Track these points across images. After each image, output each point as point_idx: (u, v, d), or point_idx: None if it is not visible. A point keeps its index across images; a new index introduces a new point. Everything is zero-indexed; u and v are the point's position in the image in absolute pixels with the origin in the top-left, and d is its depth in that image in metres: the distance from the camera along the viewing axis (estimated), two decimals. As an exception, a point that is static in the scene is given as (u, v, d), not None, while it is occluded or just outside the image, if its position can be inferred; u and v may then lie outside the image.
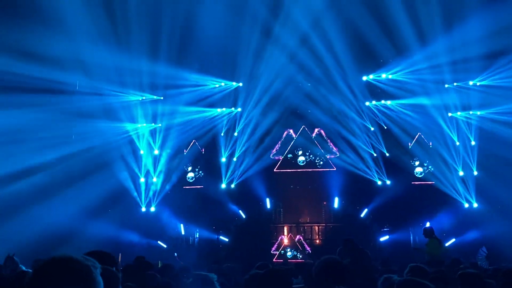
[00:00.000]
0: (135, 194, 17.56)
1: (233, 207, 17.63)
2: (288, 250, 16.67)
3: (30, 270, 5.03)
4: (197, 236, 17.56)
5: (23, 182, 14.68)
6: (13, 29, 12.97)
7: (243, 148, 17.94)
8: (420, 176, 17.39)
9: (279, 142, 18.26)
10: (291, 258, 15.99)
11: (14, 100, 13.79)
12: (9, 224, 13.97)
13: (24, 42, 13.20)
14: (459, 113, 17.02)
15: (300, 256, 16.24)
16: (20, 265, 7.10)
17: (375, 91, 17.80)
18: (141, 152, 17.98)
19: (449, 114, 17.02)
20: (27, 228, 13.75)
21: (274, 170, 18.08)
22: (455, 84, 16.76)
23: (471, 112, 16.85)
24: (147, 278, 4.88)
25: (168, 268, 6.06)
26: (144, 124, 17.99)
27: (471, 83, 16.57)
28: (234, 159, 18.05)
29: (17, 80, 13.59)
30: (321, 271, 3.51)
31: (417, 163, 17.45)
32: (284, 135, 18.31)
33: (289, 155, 18.11)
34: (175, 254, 14.02)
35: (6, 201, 14.24)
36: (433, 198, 16.72)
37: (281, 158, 18.15)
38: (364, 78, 17.60)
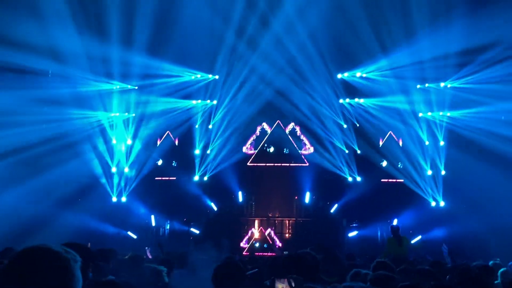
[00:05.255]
0: (106, 184, 17.34)
1: (205, 200, 17.62)
2: (257, 243, 16.74)
3: None
4: (168, 227, 17.51)
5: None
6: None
7: (217, 141, 17.93)
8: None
9: (253, 136, 18.33)
10: (260, 251, 16.09)
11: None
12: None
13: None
14: (429, 113, 17.41)
15: (269, 249, 16.34)
16: None
17: (349, 89, 18.01)
18: (113, 141, 17.73)
19: (420, 114, 17.41)
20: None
21: (248, 163, 18.14)
22: (426, 85, 17.10)
23: (441, 113, 17.25)
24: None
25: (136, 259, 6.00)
26: (117, 114, 17.72)
27: (442, 84, 16.93)
28: (208, 151, 18.01)
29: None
30: (291, 264, 3.49)
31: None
32: (258, 129, 18.38)
33: (263, 149, 18.20)
34: (146, 248, 13.90)
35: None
36: (401, 195, 17.09)
37: (254, 152, 18.22)
38: (339, 76, 17.78)
